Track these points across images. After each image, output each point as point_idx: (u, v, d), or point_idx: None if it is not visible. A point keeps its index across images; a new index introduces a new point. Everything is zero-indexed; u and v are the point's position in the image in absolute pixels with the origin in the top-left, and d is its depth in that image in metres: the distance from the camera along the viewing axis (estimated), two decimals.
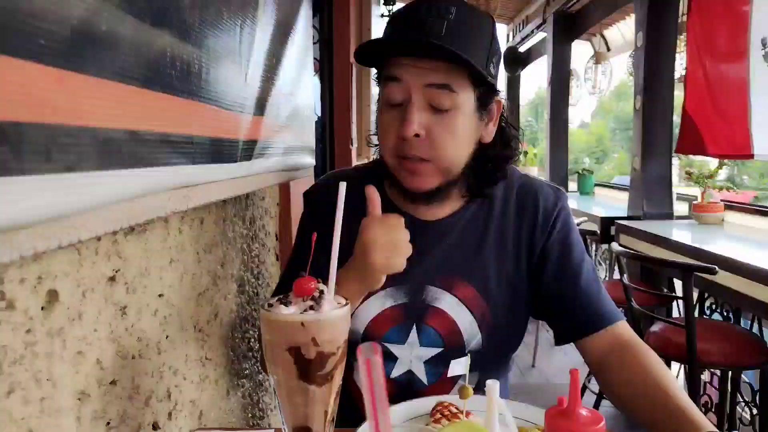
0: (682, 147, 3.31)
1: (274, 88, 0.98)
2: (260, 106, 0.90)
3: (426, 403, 0.89)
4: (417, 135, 0.93)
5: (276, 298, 0.76)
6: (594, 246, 4.66)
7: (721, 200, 3.41)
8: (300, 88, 1.21)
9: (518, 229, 1.08)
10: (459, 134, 0.96)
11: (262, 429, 0.92)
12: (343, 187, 0.81)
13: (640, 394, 0.91)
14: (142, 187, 0.49)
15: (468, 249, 1.07)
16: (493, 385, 0.52)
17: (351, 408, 1.10)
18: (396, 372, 1.06)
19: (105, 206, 0.44)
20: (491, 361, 1.09)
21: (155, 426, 0.83)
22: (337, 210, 0.79)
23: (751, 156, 2.86)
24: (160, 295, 0.85)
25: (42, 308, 0.58)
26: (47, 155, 0.35)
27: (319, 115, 3.33)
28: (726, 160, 3.61)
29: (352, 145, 3.57)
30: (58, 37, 0.36)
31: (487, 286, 1.05)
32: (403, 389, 1.05)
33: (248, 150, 0.84)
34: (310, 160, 1.30)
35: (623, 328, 1.03)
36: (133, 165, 0.47)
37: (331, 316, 0.73)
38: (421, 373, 1.06)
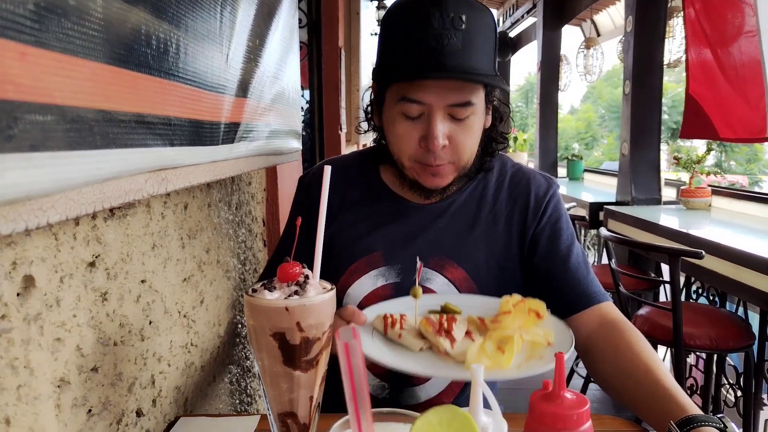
0: (688, 132, 3.26)
1: (257, 70, 0.96)
2: (243, 88, 0.88)
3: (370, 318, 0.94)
4: (442, 146, 0.96)
5: (260, 283, 0.75)
6: (583, 231, 4.69)
7: (708, 185, 3.43)
8: (285, 70, 1.19)
9: (510, 214, 1.10)
10: (476, 133, 1.01)
11: (249, 415, 0.91)
12: (328, 170, 0.80)
13: (626, 373, 0.91)
14: (116, 168, 0.47)
15: (460, 232, 1.09)
16: (477, 368, 0.51)
17: (338, 393, 1.10)
18: None
19: (76, 188, 0.42)
20: None
21: (139, 413, 0.82)
22: (322, 193, 0.78)
23: (766, 139, 2.83)
24: (142, 281, 0.84)
25: (18, 294, 0.56)
26: (9, 133, 0.34)
27: (307, 100, 3.30)
28: (714, 146, 3.62)
29: (341, 130, 3.54)
30: (21, 9, 0.35)
31: (476, 269, 1.06)
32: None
33: (230, 132, 0.83)
34: (296, 145, 1.28)
35: (610, 308, 1.04)
36: (106, 146, 0.45)
37: (316, 301, 0.72)
38: None
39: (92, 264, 0.70)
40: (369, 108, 1.11)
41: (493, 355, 0.82)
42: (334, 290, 0.76)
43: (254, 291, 0.74)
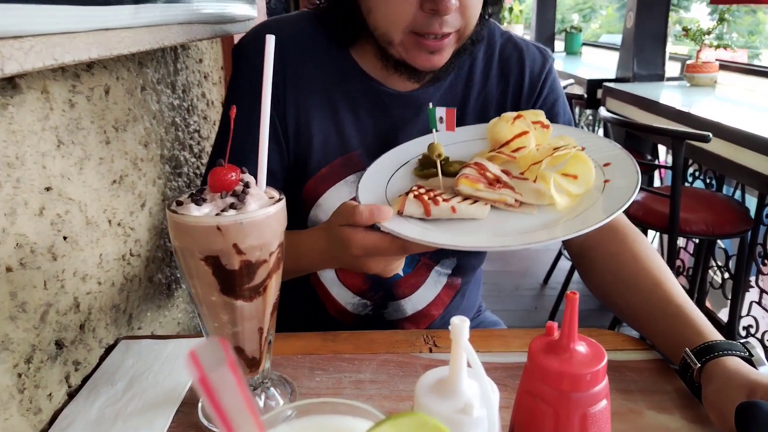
0: None
1: None
2: None
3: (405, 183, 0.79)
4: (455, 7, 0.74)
5: (187, 194, 0.59)
6: (578, 110, 4.47)
7: (716, 60, 3.18)
8: None
9: (502, 96, 0.92)
10: None
11: (199, 336, 0.79)
12: (271, 41, 0.60)
13: (629, 286, 0.79)
14: None
15: None
16: (460, 324, 0.37)
17: (314, 308, 0.98)
18: None
19: None
20: None
21: (60, 344, 0.69)
22: (265, 71, 0.60)
23: None
24: (47, 189, 0.67)
25: None
26: None
27: None
28: (726, 15, 3.31)
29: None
30: None
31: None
32: (378, 282, 0.93)
33: None
34: (248, 11, 1.04)
35: None
36: None
37: (258, 216, 0.56)
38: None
39: None
40: None
41: (571, 184, 0.70)
42: (284, 200, 0.60)
43: (179, 204, 0.58)
